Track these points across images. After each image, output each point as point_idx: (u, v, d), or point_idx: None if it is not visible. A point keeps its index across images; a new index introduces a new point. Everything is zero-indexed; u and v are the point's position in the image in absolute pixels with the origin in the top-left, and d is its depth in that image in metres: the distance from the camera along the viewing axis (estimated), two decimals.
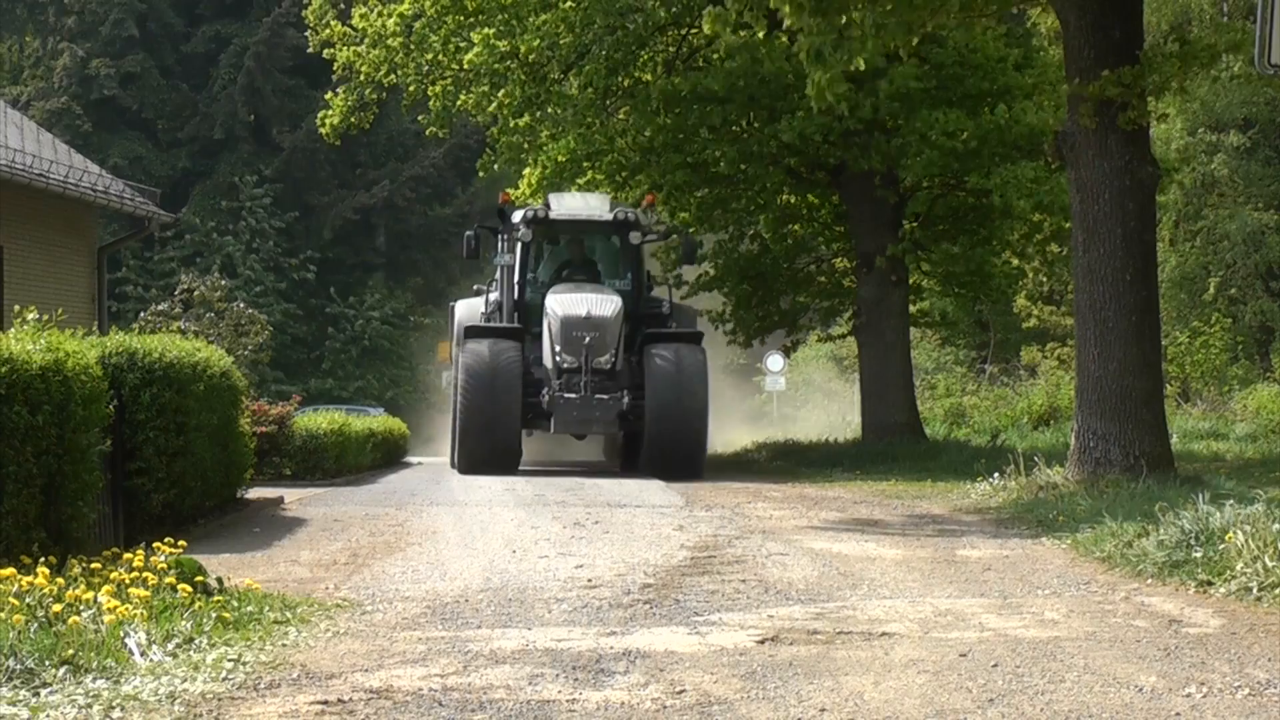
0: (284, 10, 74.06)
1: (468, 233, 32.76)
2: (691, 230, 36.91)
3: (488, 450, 28.77)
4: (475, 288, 34.70)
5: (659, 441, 28.82)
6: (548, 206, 32.09)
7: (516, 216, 31.93)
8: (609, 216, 31.76)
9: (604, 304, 29.71)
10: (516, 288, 31.87)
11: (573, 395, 29.14)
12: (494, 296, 32.14)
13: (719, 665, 9.35)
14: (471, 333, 30.14)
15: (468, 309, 33.10)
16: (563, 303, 29.75)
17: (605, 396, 29.18)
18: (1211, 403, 45.26)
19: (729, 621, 11.06)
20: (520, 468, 29.80)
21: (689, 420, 28.82)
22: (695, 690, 8.60)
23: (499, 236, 31.86)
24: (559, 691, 8.62)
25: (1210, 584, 12.23)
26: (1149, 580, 12.93)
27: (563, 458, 36.28)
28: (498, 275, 32.02)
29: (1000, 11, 25.20)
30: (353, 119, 38.39)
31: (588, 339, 29.03)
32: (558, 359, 29.51)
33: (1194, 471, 22.32)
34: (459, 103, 37.39)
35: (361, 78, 37.48)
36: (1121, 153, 20.61)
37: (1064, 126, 21.49)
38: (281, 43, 75.46)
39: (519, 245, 31.88)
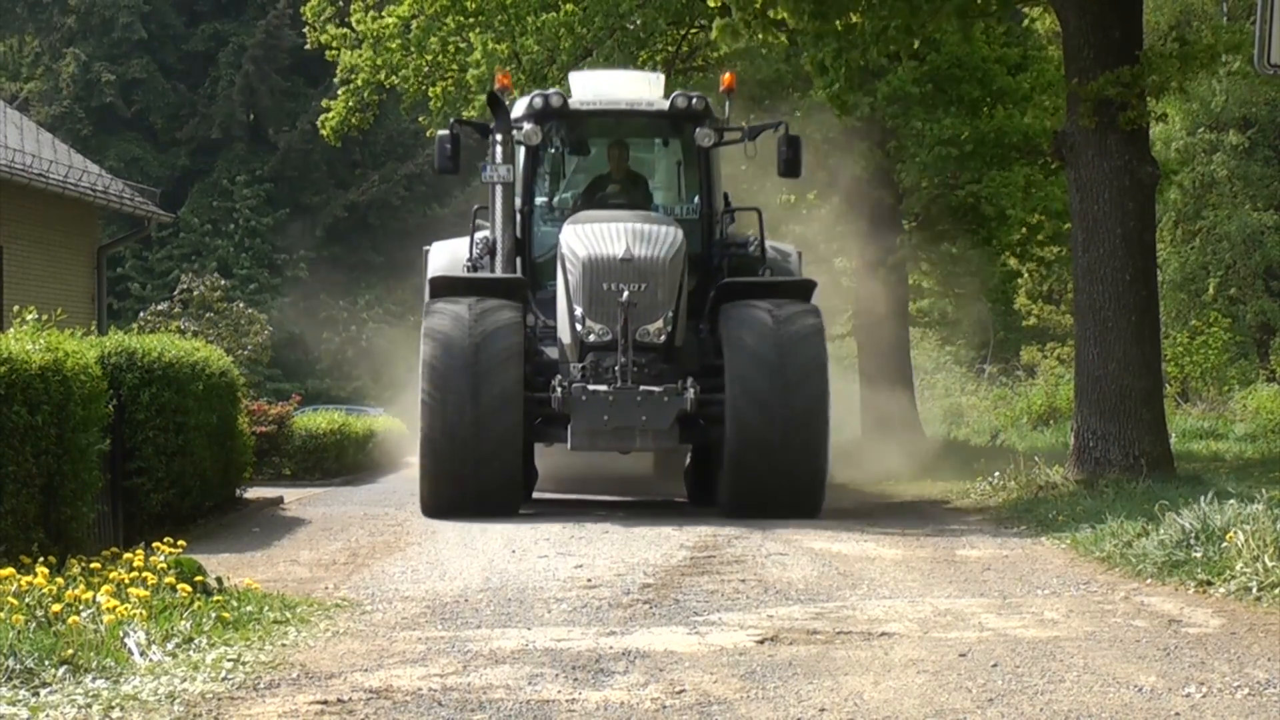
0: (280, 11, 74.02)
1: (441, 132, 21.27)
2: None
3: (469, 484, 18.50)
4: (476, 209, 22.11)
5: (746, 462, 18.61)
6: (566, 91, 22.12)
7: (518, 108, 21.50)
8: (663, 105, 21.28)
9: (654, 238, 19.27)
10: (517, 219, 20.93)
11: (603, 387, 18.56)
12: (481, 237, 20.99)
13: (718, 665, 9.34)
14: (442, 287, 19.77)
15: (449, 256, 21.90)
16: (587, 237, 19.33)
17: (656, 389, 18.54)
18: (1211, 402, 45.26)
19: (728, 621, 11.05)
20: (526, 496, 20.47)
21: (798, 428, 18.53)
22: (695, 690, 8.60)
23: (490, 139, 20.58)
24: (558, 691, 8.61)
25: (1210, 584, 12.23)
26: (1148, 580, 12.92)
27: (594, 475, 24.58)
28: (490, 200, 20.63)
29: (1000, 13, 25.19)
30: (353, 120, 38.37)
31: (627, 294, 18.65)
32: (579, 328, 19.07)
33: (1193, 471, 22.31)
34: (465, 113, 37.38)
35: (360, 80, 37.46)
36: (1121, 153, 20.61)
37: (1063, 126, 21.49)
38: (278, 43, 75.44)
39: (521, 152, 21.17)
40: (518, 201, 20.97)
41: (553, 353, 20.06)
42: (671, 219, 20.46)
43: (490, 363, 18.49)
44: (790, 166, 21.22)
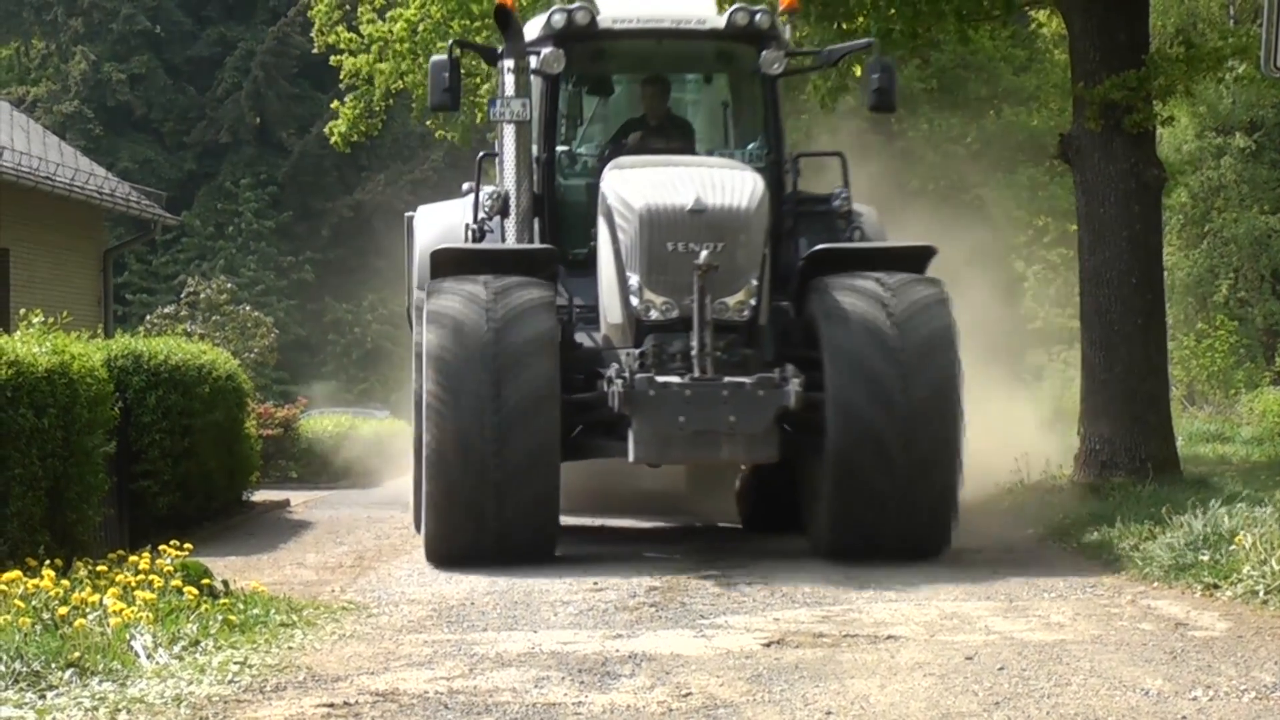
0: (289, 19, 74.10)
1: (437, 58, 16.87)
2: None
3: (487, 519, 14.16)
4: (465, 186, 17.71)
5: (858, 479, 14.40)
6: (593, 9, 17.11)
7: (535, 27, 17.16)
8: (717, 22, 17.19)
9: (730, 184, 15.12)
10: (537, 169, 16.69)
11: (675, 380, 14.22)
12: (490, 190, 16.45)
13: (725, 668, 9.34)
14: (446, 263, 15.28)
15: (443, 224, 17.34)
16: (642, 183, 15.19)
17: (747, 380, 14.20)
18: (1218, 406, 45.23)
19: (735, 624, 11.06)
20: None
21: (925, 426, 14.40)
22: (701, 693, 8.60)
23: (499, 67, 16.38)
24: (565, 694, 8.61)
25: (1217, 587, 12.22)
26: (1155, 583, 12.91)
27: (610, 491, 19.34)
28: (499, 145, 16.46)
29: (1004, 16, 25.19)
30: (361, 127, 38.38)
31: (703, 254, 14.21)
32: (635, 302, 14.84)
33: (1200, 474, 22.30)
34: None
35: (374, 88, 37.43)
36: (1127, 156, 20.58)
37: (1069, 129, 21.48)
38: (286, 49, 75.49)
39: (540, 84, 16.83)
40: (534, 148, 16.60)
41: (591, 342, 15.76)
42: (744, 163, 16.47)
43: (516, 354, 14.06)
44: (883, 98, 16.99)
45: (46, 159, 32.46)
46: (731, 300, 14.69)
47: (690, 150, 16.90)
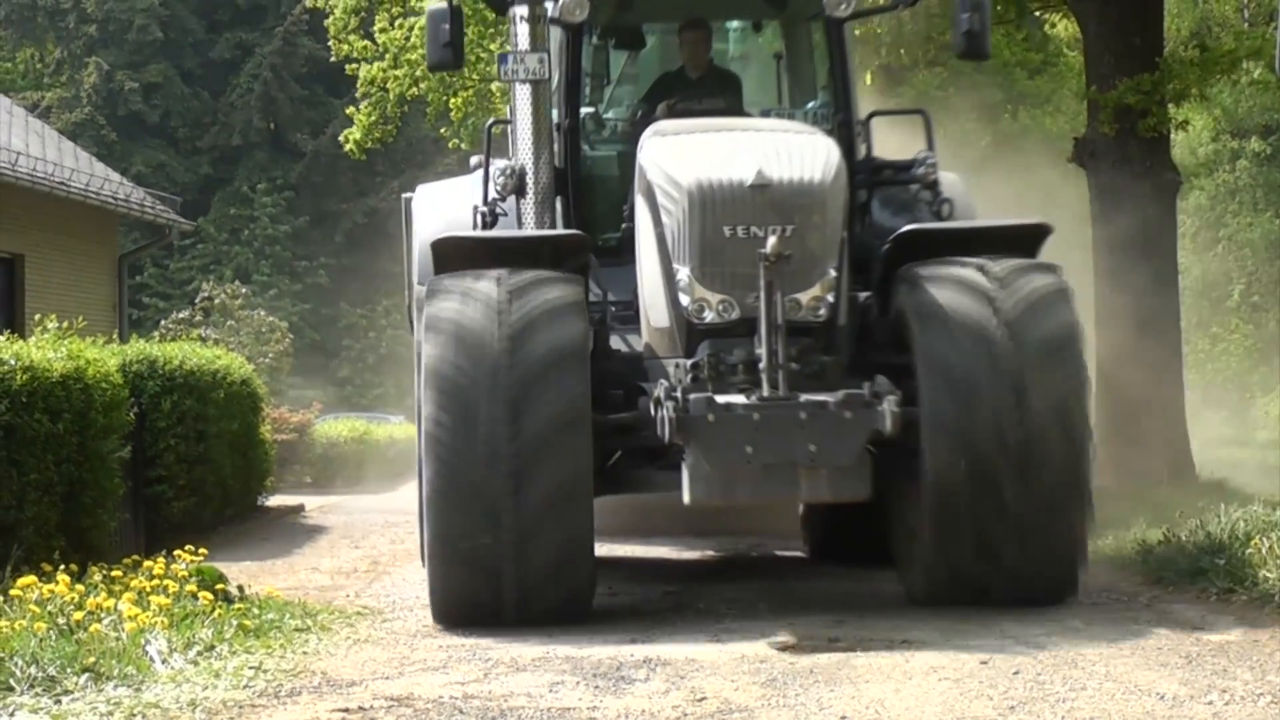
0: (296, 18, 74.15)
1: (435, 6, 13.99)
2: None
3: (505, 575, 11.20)
4: (473, 161, 15.03)
5: (956, 524, 11.56)
6: None
7: None
8: None
9: (800, 153, 12.23)
10: (558, 137, 14.04)
11: (740, 399, 11.34)
12: (503, 165, 13.65)
13: (739, 673, 9.34)
14: (450, 254, 12.35)
15: (444, 208, 14.50)
16: (691, 152, 12.38)
17: (829, 398, 11.29)
18: (1233, 409, 45.21)
19: (749, 629, 11.05)
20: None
21: (1044, 468, 11.53)
22: (716, 698, 8.59)
23: (511, 16, 13.68)
24: (579, 699, 8.61)
25: (1232, 591, 12.20)
26: (1170, 588, 12.89)
27: (641, 507, 15.93)
28: (512, 110, 13.80)
29: (1018, 20, 25.20)
30: (376, 133, 38.40)
31: (770, 240, 11.39)
32: (686, 301, 12.00)
33: (1215, 478, 22.28)
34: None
35: (388, 94, 37.43)
36: (1142, 159, 20.61)
37: (1084, 133, 21.48)
38: (295, 51, 75.58)
39: (560, 36, 14.25)
40: (556, 112, 14.07)
41: (627, 345, 12.94)
42: (812, 126, 13.55)
43: (537, 371, 11.19)
44: (973, 42, 14.04)
45: (61, 164, 32.51)
46: (805, 296, 11.78)
47: (739, 111, 14.12)
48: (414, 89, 36.93)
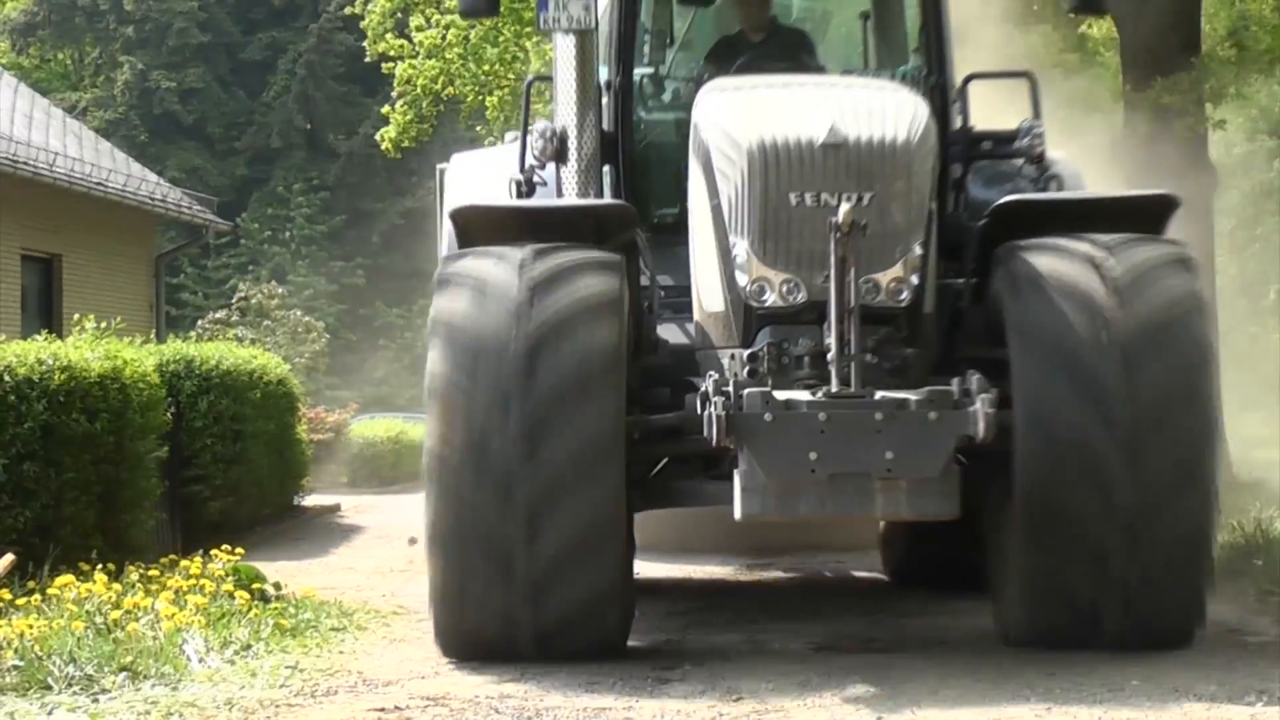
0: (331, 16, 74.25)
1: None
2: None
3: (519, 617, 9.50)
4: (509, 136, 13.93)
5: (1056, 539, 9.59)
6: None
7: None
8: None
9: (881, 110, 10.41)
10: (607, 96, 12.24)
11: (804, 396, 9.46)
12: (542, 127, 11.59)
13: (775, 673, 9.32)
14: (476, 226, 10.46)
15: (481, 177, 12.60)
16: (753, 108, 10.63)
17: (911, 397, 9.39)
18: (1271, 410, 45.03)
19: (785, 629, 11.03)
20: None
21: (1159, 466, 9.54)
22: (752, 697, 8.58)
23: None
24: (615, 699, 8.60)
25: (1270, 593, 12.16)
26: (1208, 589, 12.84)
27: (688, 519, 13.97)
28: (555, 66, 11.72)
29: (1055, 19, 25.12)
30: (412, 132, 38.45)
31: (843, 208, 9.44)
32: (743, 281, 10.24)
33: (1254, 479, 22.18)
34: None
35: (419, 90, 37.48)
36: (1179, 160, 20.51)
37: (1120, 133, 21.41)
38: (330, 49, 75.70)
39: None
40: (603, 71, 12.11)
41: (679, 335, 11.18)
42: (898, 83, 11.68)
43: (561, 388, 9.36)
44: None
45: (99, 165, 32.61)
46: (885, 277, 10.05)
47: (814, 72, 12.22)
48: (449, 88, 36.95)
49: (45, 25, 74.64)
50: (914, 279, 10.14)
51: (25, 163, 28.69)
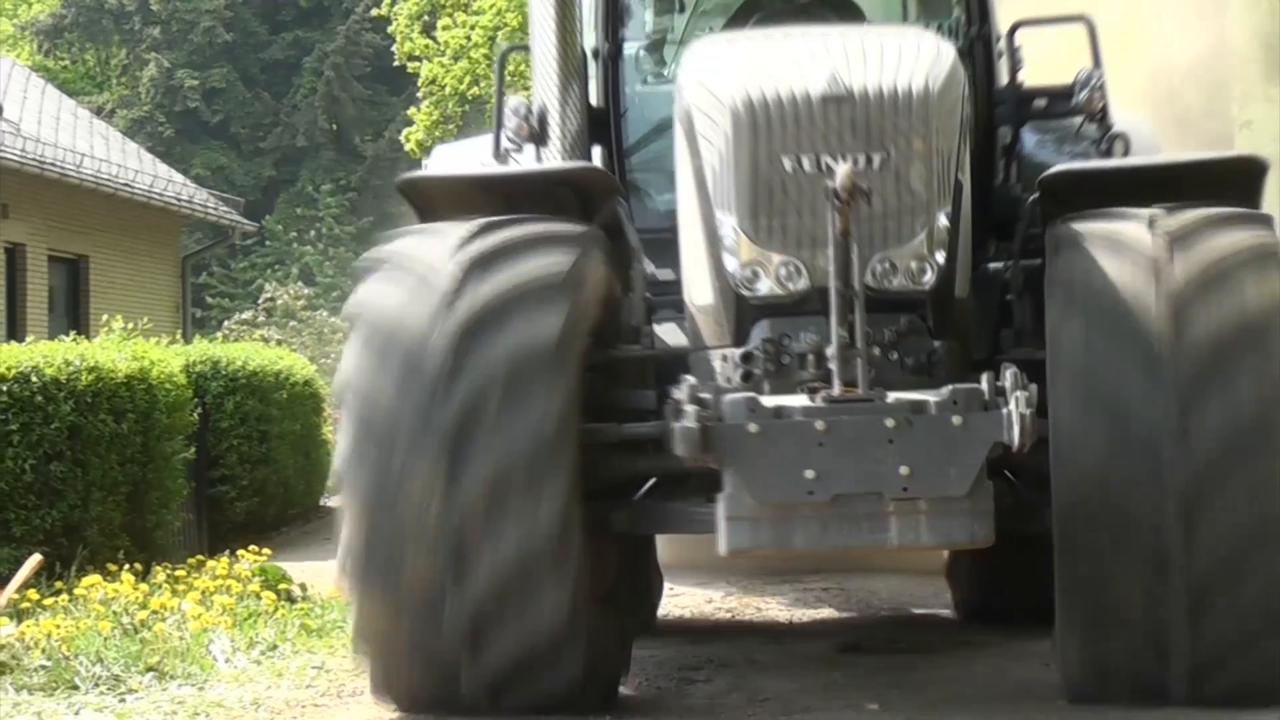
0: (359, 17, 74.38)
1: None
2: None
3: (468, 682, 7.52)
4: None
5: (1097, 586, 7.46)
6: None
7: None
8: None
9: (898, 52, 8.29)
10: (596, 66, 10.25)
11: (799, 401, 7.52)
12: (516, 103, 9.57)
13: (802, 673, 9.31)
14: (435, 194, 8.83)
15: (458, 166, 10.62)
16: (739, 58, 8.47)
17: (932, 398, 7.39)
18: None
19: (811, 629, 11.02)
20: None
21: (1225, 517, 7.25)
22: (778, 698, 8.57)
23: None
24: (640, 698, 8.58)
25: None
26: None
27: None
28: (531, 30, 9.55)
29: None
30: (437, 133, 38.48)
31: (840, 169, 7.52)
32: (734, 269, 8.18)
33: None
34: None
35: (446, 91, 37.52)
36: None
37: None
38: (357, 50, 75.79)
39: None
40: (589, 35, 10.26)
41: (675, 333, 9.30)
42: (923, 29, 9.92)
43: (489, 391, 7.43)
44: None
45: (126, 166, 32.69)
46: (903, 256, 8.11)
47: (851, 7, 10.47)
48: (474, 88, 36.99)
49: (72, 27, 74.86)
50: (939, 257, 8.17)
51: (52, 164, 28.78)
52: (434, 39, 38.01)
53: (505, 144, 9.64)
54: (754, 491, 7.32)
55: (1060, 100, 10.11)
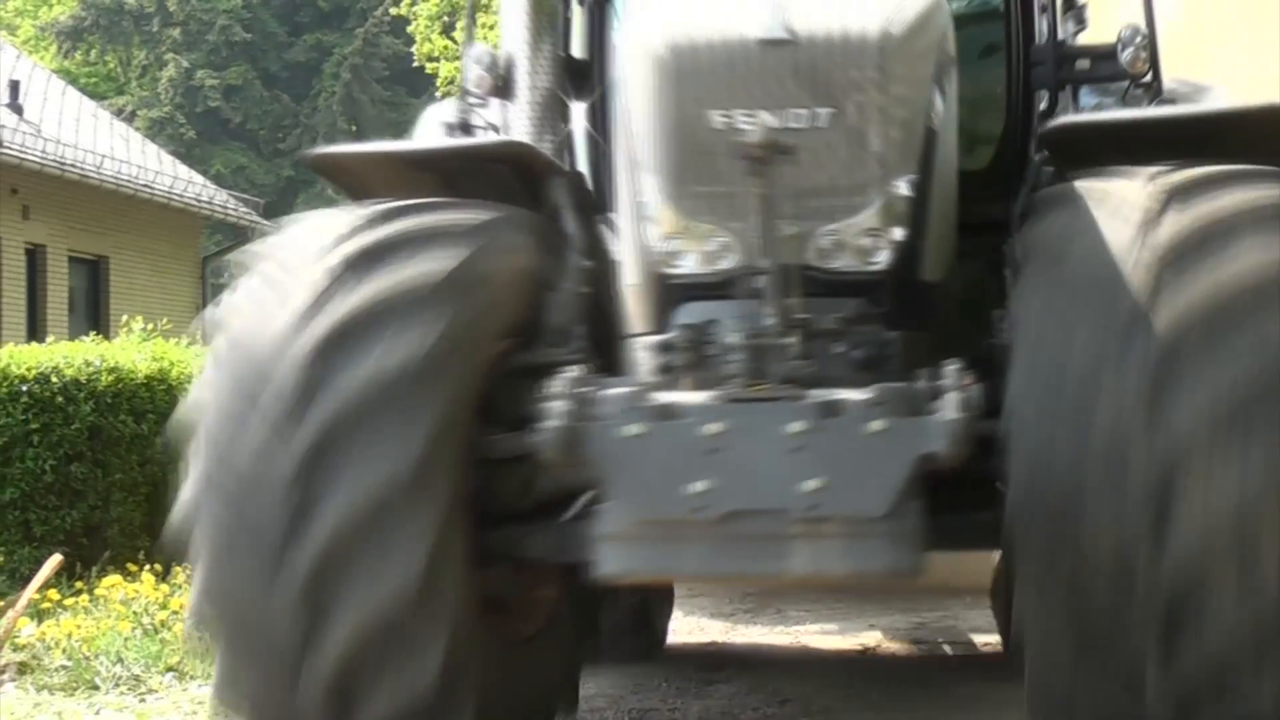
0: (378, 19, 74.48)
1: None
2: None
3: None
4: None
5: (1051, 617, 5.43)
6: None
7: None
8: None
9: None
10: (583, 12, 8.58)
11: (696, 398, 5.73)
12: (479, 52, 8.01)
13: (821, 674, 9.30)
14: (341, 178, 7.61)
15: (441, 127, 8.00)
16: (671, 2, 6.54)
17: (855, 397, 5.58)
18: None
19: (831, 630, 11.01)
20: None
21: (1195, 541, 5.07)
22: (798, 699, 8.56)
23: None
24: (660, 700, 8.59)
25: None
26: None
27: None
28: None
29: None
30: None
31: (765, 120, 6.04)
32: (654, 244, 6.52)
33: None
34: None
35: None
36: None
37: None
38: (377, 52, 75.89)
39: None
40: None
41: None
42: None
43: (347, 408, 5.78)
44: None
45: (146, 167, 32.77)
46: (851, 230, 6.47)
47: None
48: None
49: (92, 29, 75.04)
50: (898, 233, 6.54)
51: (73, 165, 28.86)
52: (453, 40, 38.02)
53: (469, 96, 8.10)
54: (630, 507, 5.80)
55: (1105, 61, 8.23)
